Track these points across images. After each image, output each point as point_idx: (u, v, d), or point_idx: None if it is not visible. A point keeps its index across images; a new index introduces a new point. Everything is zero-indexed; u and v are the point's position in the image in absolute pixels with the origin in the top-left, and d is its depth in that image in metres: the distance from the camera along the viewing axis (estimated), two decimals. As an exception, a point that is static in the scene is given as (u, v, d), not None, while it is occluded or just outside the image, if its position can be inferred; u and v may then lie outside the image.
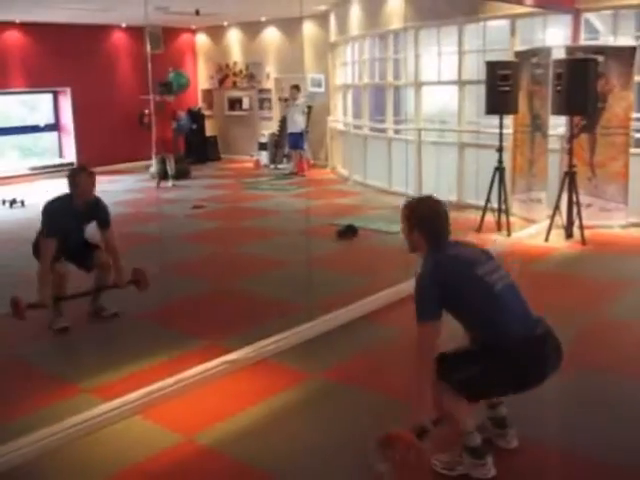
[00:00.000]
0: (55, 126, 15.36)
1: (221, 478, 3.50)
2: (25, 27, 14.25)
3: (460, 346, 3.45)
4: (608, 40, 9.06)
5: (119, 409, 4.04)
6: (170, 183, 12.97)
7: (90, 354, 5.10)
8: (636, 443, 3.65)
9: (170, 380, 4.31)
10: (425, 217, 3.40)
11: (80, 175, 5.49)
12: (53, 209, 5.51)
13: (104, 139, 14.89)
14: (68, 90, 14.99)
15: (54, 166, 14.77)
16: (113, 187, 11.54)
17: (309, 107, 14.37)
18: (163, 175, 13.06)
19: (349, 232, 8.43)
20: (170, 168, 13.14)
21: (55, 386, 4.49)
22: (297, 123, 13.77)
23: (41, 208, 5.52)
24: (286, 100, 14.67)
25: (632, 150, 8.39)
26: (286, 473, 3.49)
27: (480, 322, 3.32)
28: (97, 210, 5.64)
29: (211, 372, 4.50)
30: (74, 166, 14.38)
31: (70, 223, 5.48)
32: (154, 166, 13.68)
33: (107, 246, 5.71)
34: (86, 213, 5.57)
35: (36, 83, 14.58)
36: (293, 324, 5.21)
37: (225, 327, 5.45)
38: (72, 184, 5.48)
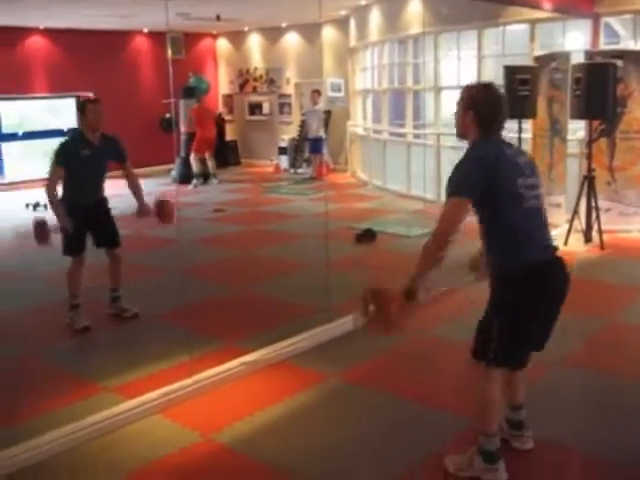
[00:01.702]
0: (78, 130, 15.53)
1: (238, 477, 3.55)
2: (49, 33, 14.47)
3: (480, 319, 3.39)
4: (628, 44, 9.05)
5: (139, 408, 4.11)
6: (216, 181, 13.71)
7: (111, 354, 5.17)
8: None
9: (189, 380, 4.37)
10: (483, 101, 3.28)
11: (87, 105, 5.62)
12: (65, 141, 5.71)
13: (126, 143, 14.93)
14: (91, 95, 15.14)
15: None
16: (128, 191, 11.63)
17: (328, 112, 14.44)
18: (203, 174, 13.67)
19: (367, 236, 8.47)
20: (212, 167, 13.82)
21: (76, 385, 4.57)
22: (317, 128, 13.83)
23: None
24: (301, 108, 14.94)
25: (652, 154, 8.37)
26: (303, 473, 3.54)
27: (503, 230, 3.25)
28: (114, 143, 5.80)
29: (229, 373, 4.57)
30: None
31: (83, 154, 5.54)
32: (176, 169, 13.97)
33: (129, 178, 5.91)
34: (103, 147, 5.67)
35: (59, 88, 14.77)
36: (311, 326, 5.27)
37: (243, 329, 5.51)
38: (81, 116, 5.65)
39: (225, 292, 6.62)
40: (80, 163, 5.54)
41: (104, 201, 5.88)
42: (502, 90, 3.72)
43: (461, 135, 3.38)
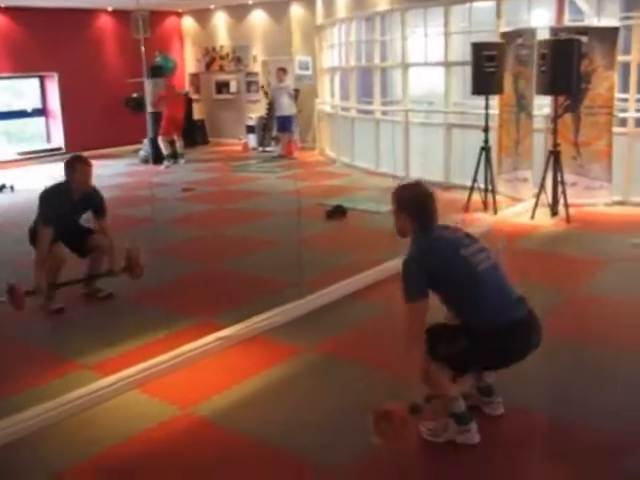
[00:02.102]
0: (42, 111, 15.37)
1: (219, 448, 3.62)
2: (10, 11, 14.23)
3: (447, 321, 3.61)
4: (592, 21, 9.18)
5: (117, 384, 4.15)
6: (182, 161, 13.59)
7: (87, 333, 5.19)
8: (614, 407, 3.81)
9: (166, 356, 4.43)
10: (412, 202, 3.53)
11: (77, 164, 5.57)
12: (50, 197, 5.59)
13: (92, 123, 14.92)
14: (55, 75, 14.98)
15: (42, 151, 14.81)
16: (102, 171, 11.53)
17: (296, 90, 14.43)
18: (172, 155, 13.57)
19: (338, 212, 8.54)
20: (180, 147, 13.71)
21: (53, 363, 4.60)
22: (285, 106, 13.81)
23: (38, 195, 5.61)
24: (269, 87, 14.91)
25: (615, 129, 8.53)
26: (282, 443, 3.61)
27: (463, 303, 3.47)
28: (93, 199, 5.75)
29: (205, 348, 4.62)
30: (62, 150, 14.53)
31: (67, 211, 5.57)
32: (144, 149, 13.90)
33: (102, 235, 5.81)
34: (82, 202, 5.67)
35: (22, 68, 14.57)
36: (284, 302, 5.34)
37: (218, 305, 5.57)
38: (69, 173, 5.56)
39: (198, 270, 6.65)
40: (62, 218, 5.54)
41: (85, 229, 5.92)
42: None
43: (401, 234, 3.62)
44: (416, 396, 3.30)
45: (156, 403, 4.04)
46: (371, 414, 3.25)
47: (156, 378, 4.29)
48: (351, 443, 3.55)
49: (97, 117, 15.14)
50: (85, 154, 5.95)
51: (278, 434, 3.69)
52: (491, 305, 3.43)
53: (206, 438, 3.70)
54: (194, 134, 16.31)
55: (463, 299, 3.46)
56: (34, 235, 5.62)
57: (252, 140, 15.44)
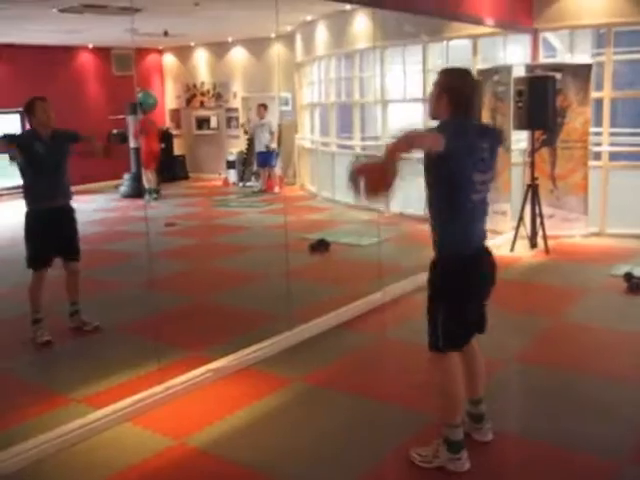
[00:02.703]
0: (23, 147, 15.35)
1: (213, 477, 3.67)
2: (-10, 48, 14.30)
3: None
4: (565, 57, 9.47)
5: (110, 416, 4.18)
6: (152, 197, 13.41)
7: (77, 366, 5.20)
8: (601, 431, 3.91)
9: (158, 388, 4.47)
10: (458, 86, 3.43)
11: (34, 101, 5.56)
12: (19, 134, 5.77)
13: (73, 159, 14.88)
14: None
15: (16, 187, 14.74)
16: (85, 207, 11.59)
17: (279, 125, 14.61)
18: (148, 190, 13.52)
19: (321, 246, 8.64)
20: (154, 182, 13.71)
21: (45, 397, 4.61)
22: (265, 141, 13.96)
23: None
24: (249, 124, 15.09)
25: (590, 163, 8.76)
26: (274, 472, 3.67)
27: (448, 214, 3.48)
28: (62, 134, 5.74)
29: (197, 380, 4.67)
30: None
31: (42, 152, 5.51)
32: (125, 184, 13.94)
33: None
34: (54, 140, 5.63)
35: (3, 104, 14.58)
36: (272, 334, 5.41)
37: (207, 338, 5.62)
38: (29, 113, 5.58)
39: (186, 303, 6.70)
40: (35, 158, 5.50)
41: (70, 209, 5.89)
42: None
43: (434, 117, 3.52)
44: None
45: (149, 435, 4.07)
46: (349, 174, 3.21)
47: (148, 410, 4.32)
48: (342, 470, 3.62)
49: (78, 153, 15.16)
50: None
51: (271, 462, 3.75)
52: (473, 230, 3.51)
53: (202, 466, 3.75)
54: (175, 169, 16.41)
55: (449, 211, 3.47)
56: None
57: (232, 175, 15.57)
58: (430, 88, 3.57)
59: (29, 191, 5.64)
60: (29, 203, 5.65)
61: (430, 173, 3.46)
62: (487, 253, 3.62)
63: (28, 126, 5.69)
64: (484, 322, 3.71)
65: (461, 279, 3.49)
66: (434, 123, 3.53)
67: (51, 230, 5.64)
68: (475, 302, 3.61)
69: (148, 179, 13.51)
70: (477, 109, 3.49)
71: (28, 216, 5.67)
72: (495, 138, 3.64)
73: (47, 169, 5.59)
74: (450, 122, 3.42)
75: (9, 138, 5.50)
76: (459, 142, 3.29)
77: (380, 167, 3.18)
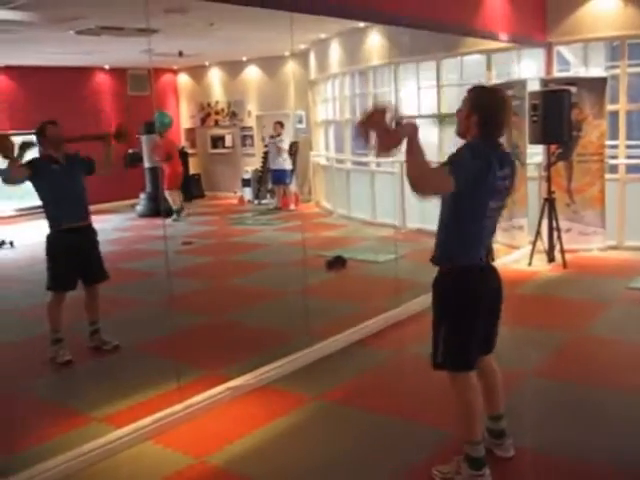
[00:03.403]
0: (40, 168, 15.49)
1: (234, 496, 3.67)
2: (9, 70, 14.50)
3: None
4: (579, 71, 9.46)
5: (131, 435, 4.19)
6: (178, 216, 13.43)
7: (97, 385, 5.24)
8: (624, 446, 3.88)
9: (178, 407, 4.47)
10: (489, 106, 3.39)
11: (45, 125, 5.63)
12: (34, 158, 5.68)
13: (89, 179, 14.99)
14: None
15: (33, 208, 14.88)
16: (101, 226, 11.63)
17: (295, 143, 14.69)
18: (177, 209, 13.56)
19: (338, 263, 8.64)
20: (180, 201, 13.77)
21: (65, 416, 4.63)
22: (280, 159, 14.01)
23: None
24: (264, 139, 15.13)
25: (607, 176, 8.73)
26: (295, 489, 3.68)
27: (457, 233, 3.46)
28: (76, 158, 5.80)
29: (216, 398, 4.67)
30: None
31: (57, 176, 5.56)
32: (141, 203, 14.01)
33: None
34: (69, 164, 5.69)
35: (21, 125, 14.71)
36: (291, 351, 5.41)
37: (225, 356, 5.62)
38: (40, 136, 5.64)
39: (204, 321, 6.71)
40: (52, 178, 5.55)
41: (92, 231, 5.93)
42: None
43: (461, 135, 3.49)
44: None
45: (170, 453, 4.08)
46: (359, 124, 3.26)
47: (169, 429, 4.33)
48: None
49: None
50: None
51: (290, 479, 3.74)
52: (480, 246, 3.48)
53: (222, 486, 3.75)
54: (190, 188, 16.45)
55: (462, 231, 3.45)
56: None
57: (248, 193, 15.63)
58: (459, 104, 3.51)
59: (49, 213, 5.69)
60: (50, 225, 5.70)
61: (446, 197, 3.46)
62: (492, 269, 3.60)
63: (41, 149, 5.74)
64: (492, 342, 3.67)
65: (466, 294, 3.46)
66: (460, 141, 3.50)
67: (74, 254, 5.67)
68: (480, 319, 3.52)
69: (173, 199, 13.52)
70: (508, 128, 3.46)
71: (50, 238, 5.71)
72: (513, 166, 3.60)
73: (65, 190, 5.64)
74: (470, 148, 3.36)
75: (27, 164, 5.53)
76: (472, 173, 3.26)
77: (390, 132, 3.23)
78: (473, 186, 3.29)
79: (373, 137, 3.23)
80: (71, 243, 5.65)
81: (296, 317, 5.97)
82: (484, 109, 3.39)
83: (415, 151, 3.25)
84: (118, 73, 16.08)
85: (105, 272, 5.98)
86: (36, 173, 5.51)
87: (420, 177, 3.25)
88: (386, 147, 3.25)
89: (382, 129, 3.22)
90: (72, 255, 5.66)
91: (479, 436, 3.51)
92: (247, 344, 5.94)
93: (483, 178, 3.31)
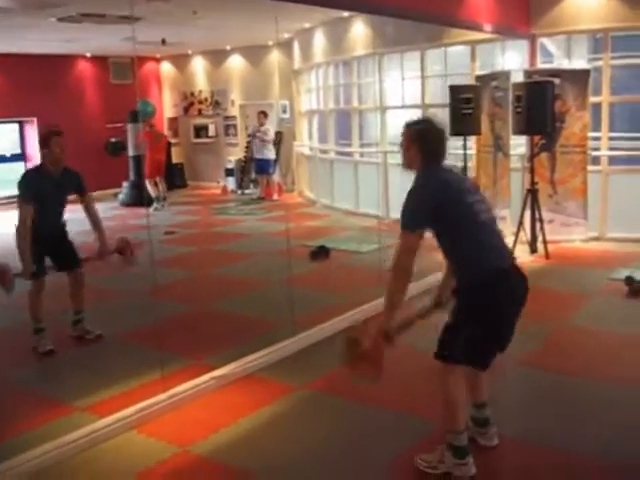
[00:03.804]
0: (21, 156, 15.38)
1: (219, 484, 3.68)
2: (-11, 57, 14.33)
3: (446, 323, 3.61)
4: (562, 63, 9.50)
5: (115, 424, 4.18)
6: (159, 205, 13.37)
7: (80, 374, 5.20)
8: (608, 435, 3.92)
9: (162, 396, 4.47)
10: (424, 136, 3.56)
11: (51, 136, 5.56)
12: (28, 176, 5.68)
13: (71, 168, 14.94)
14: (34, 120, 15.04)
15: (14, 197, 14.76)
16: (82, 216, 11.58)
17: (279, 133, 14.65)
18: (158, 198, 13.53)
19: (321, 253, 8.65)
20: (162, 190, 13.69)
21: (48, 406, 4.60)
22: (264, 149, 13.97)
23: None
24: (247, 129, 15.11)
25: (589, 167, 8.78)
26: (279, 478, 3.68)
27: (462, 246, 3.48)
28: (73, 177, 5.75)
29: (201, 387, 4.68)
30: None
31: (48, 190, 5.50)
32: (124, 192, 13.92)
33: (89, 213, 5.90)
34: (63, 180, 5.64)
35: (2, 114, 14.60)
36: (275, 340, 5.41)
37: (209, 346, 5.62)
38: (44, 147, 5.58)
39: (187, 311, 6.70)
40: (42, 198, 5.50)
41: (62, 227, 5.90)
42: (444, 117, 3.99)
43: (407, 167, 3.64)
44: (390, 324, 3.38)
45: (154, 442, 4.07)
46: (343, 338, 3.36)
47: (153, 418, 4.32)
48: (346, 477, 3.64)
49: (76, 161, 15.07)
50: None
51: (275, 470, 3.75)
52: (491, 249, 3.49)
53: (206, 474, 3.76)
54: (173, 177, 16.36)
55: (463, 243, 3.47)
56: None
57: (231, 183, 15.59)
58: (403, 139, 3.62)
59: None
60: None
61: (436, 233, 3.53)
62: (515, 271, 3.57)
63: (40, 157, 5.66)
64: (509, 341, 3.63)
65: (488, 303, 3.43)
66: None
67: (45, 250, 5.66)
68: (505, 324, 3.53)
69: (152, 188, 13.47)
70: (445, 153, 3.56)
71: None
72: (472, 183, 3.77)
73: (50, 205, 5.63)
74: (420, 190, 3.47)
75: (28, 193, 5.45)
76: (434, 209, 3.39)
77: (378, 342, 3.35)
78: (445, 215, 3.41)
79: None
80: (42, 243, 5.59)
81: (280, 306, 5.97)
82: (421, 138, 3.54)
83: (391, 306, 3.43)
84: (100, 61, 15.94)
85: (78, 260, 5.91)
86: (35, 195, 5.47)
87: (400, 271, 3.41)
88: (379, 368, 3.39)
89: (368, 355, 3.36)
90: (42, 249, 5.61)
91: (462, 425, 3.53)
92: (231, 333, 5.94)
93: (451, 202, 3.43)
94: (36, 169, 5.73)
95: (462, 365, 3.51)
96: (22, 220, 5.43)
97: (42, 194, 5.49)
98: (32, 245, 5.52)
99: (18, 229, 5.41)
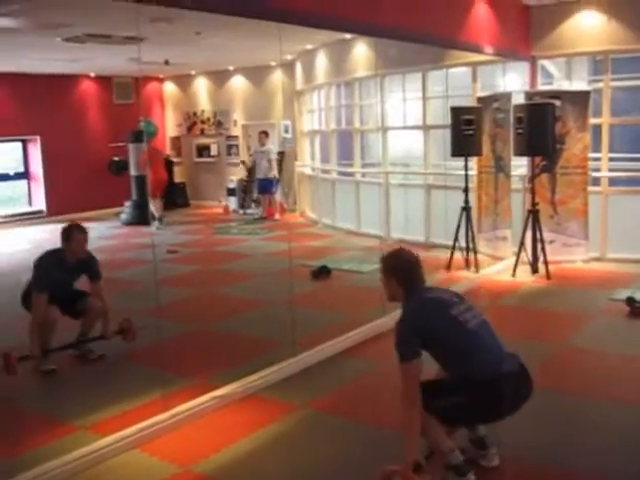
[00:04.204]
0: (24, 174, 15.46)
1: (220, 504, 3.68)
2: (-6, 77, 14.45)
3: (440, 377, 3.74)
4: (563, 84, 9.57)
5: (117, 444, 4.18)
6: (162, 224, 13.40)
7: (82, 394, 5.20)
8: (609, 456, 3.93)
9: (164, 415, 4.47)
10: (399, 269, 3.75)
11: (73, 232, 5.67)
12: (45, 264, 5.69)
13: (73, 187, 15.06)
14: (37, 138, 15.14)
15: (24, 214, 14.87)
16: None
17: (281, 153, 14.72)
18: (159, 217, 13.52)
19: (323, 273, 8.66)
20: (159, 208, 13.70)
21: (51, 425, 4.61)
22: (266, 168, 14.02)
23: (33, 262, 5.72)
24: (250, 151, 15.17)
25: (590, 188, 8.83)
26: (281, 498, 3.69)
27: (456, 359, 3.60)
28: (88, 264, 5.84)
29: (202, 407, 4.68)
30: (43, 213, 14.64)
31: (62, 277, 5.68)
32: (126, 211, 13.93)
33: (96, 300, 5.93)
34: (77, 267, 5.78)
35: (5, 132, 14.70)
36: (276, 360, 5.42)
37: (211, 366, 5.63)
38: (65, 240, 5.66)
39: (189, 330, 6.70)
40: (56, 277, 5.64)
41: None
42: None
43: (392, 299, 3.82)
44: (418, 455, 3.40)
45: (156, 462, 4.08)
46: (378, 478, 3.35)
47: (155, 437, 4.33)
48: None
49: (79, 180, 15.28)
50: (67, 217, 6.04)
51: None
52: (484, 359, 3.56)
53: (208, 495, 3.75)
54: (175, 196, 16.47)
55: (457, 356, 3.58)
56: (27, 298, 5.68)
57: (233, 202, 15.63)
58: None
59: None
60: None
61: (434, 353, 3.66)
62: (517, 372, 3.63)
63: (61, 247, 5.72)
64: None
65: (483, 403, 3.53)
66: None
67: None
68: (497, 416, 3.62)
69: (156, 207, 13.52)
70: (423, 277, 3.80)
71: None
72: (454, 294, 3.87)
73: (62, 287, 5.77)
74: (405, 324, 3.60)
75: (45, 283, 5.59)
76: (423, 337, 3.53)
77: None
78: (434, 333, 3.56)
79: None
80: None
81: (281, 327, 5.98)
82: (397, 271, 3.74)
83: (412, 437, 3.46)
84: (104, 81, 16.07)
85: (85, 300, 5.95)
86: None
87: (410, 405, 3.46)
88: None
89: None
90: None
91: (448, 444, 3.56)
92: (233, 353, 5.95)
93: (436, 320, 3.59)
94: (55, 257, 5.74)
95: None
96: (36, 309, 5.55)
97: (56, 282, 5.65)
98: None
99: (33, 319, 5.54)
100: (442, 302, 3.68)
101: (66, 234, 5.67)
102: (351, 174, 12.13)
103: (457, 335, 3.56)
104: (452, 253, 8.64)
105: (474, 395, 3.50)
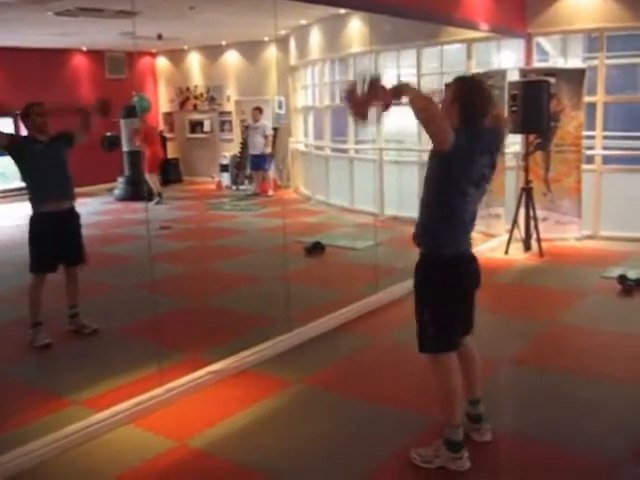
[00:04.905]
0: (16, 150, 15.34)
1: (214, 478, 3.70)
2: (-17, 51, 14.30)
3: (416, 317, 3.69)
4: (558, 62, 9.55)
5: (112, 418, 4.20)
6: (162, 199, 13.34)
7: (77, 368, 5.21)
8: (598, 430, 3.98)
9: (159, 390, 4.49)
10: (469, 96, 3.51)
11: (31, 109, 5.60)
12: (19, 138, 5.80)
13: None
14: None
15: (15, 190, 14.75)
16: (79, 210, 11.56)
17: (275, 129, 14.66)
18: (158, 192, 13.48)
19: (317, 249, 8.68)
20: (159, 185, 13.65)
21: (45, 400, 4.62)
22: (258, 144, 13.98)
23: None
24: (244, 124, 15.06)
25: (584, 166, 8.84)
26: (275, 471, 3.71)
27: (443, 214, 3.54)
28: (59, 135, 5.79)
29: (197, 382, 4.70)
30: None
31: (36, 147, 5.57)
32: (119, 187, 13.89)
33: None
34: (51, 143, 5.69)
35: (-4, 106, 14.58)
36: (271, 336, 5.44)
37: (206, 340, 5.64)
38: (25, 117, 5.62)
39: (184, 306, 6.71)
40: (34, 159, 5.56)
41: (76, 214, 5.92)
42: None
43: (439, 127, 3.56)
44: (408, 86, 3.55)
45: (151, 436, 4.10)
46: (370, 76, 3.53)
47: (150, 412, 4.34)
48: (342, 472, 3.67)
49: (72, 156, 15.15)
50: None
51: (270, 464, 3.78)
52: (462, 236, 3.61)
53: (202, 468, 3.78)
54: (168, 172, 16.35)
55: (446, 213, 3.53)
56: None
57: (226, 178, 15.59)
58: (441, 92, 3.67)
59: (32, 193, 5.66)
60: (34, 206, 5.66)
61: (432, 169, 3.56)
62: (472, 256, 3.71)
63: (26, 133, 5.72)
64: (471, 323, 3.77)
65: (450, 279, 3.56)
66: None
67: (57, 236, 5.66)
68: (463, 302, 3.66)
69: (154, 183, 13.47)
70: (488, 117, 3.55)
71: (33, 220, 5.67)
72: (498, 142, 3.71)
73: (47, 170, 5.62)
74: (462, 128, 3.45)
75: (8, 133, 5.58)
76: (466, 148, 3.40)
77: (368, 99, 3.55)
78: (460, 160, 3.41)
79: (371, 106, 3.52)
80: (54, 225, 5.62)
81: (276, 302, 6.00)
82: (466, 99, 3.51)
83: (413, 90, 3.48)
84: (96, 55, 15.92)
85: (83, 256, 5.95)
86: (16, 149, 5.52)
87: (426, 109, 3.33)
88: (386, 106, 3.57)
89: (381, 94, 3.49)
90: (55, 238, 5.64)
91: (459, 419, 3.58)
92: (228, 329, 5.97)
93: (467, 158, 3.44)
94: (24, 136, 5.80)
95: (444, 353, 3.57)
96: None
97: (31, 153, 5.56)
98: (42, 226, 5.58)
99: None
100: (478, 171, 3.49)
101: (23, 113, 5.61)
102: (345, 150, 12.11)
103: (460, 201, 3.49)
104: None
105: (438, 280, 3.56)
